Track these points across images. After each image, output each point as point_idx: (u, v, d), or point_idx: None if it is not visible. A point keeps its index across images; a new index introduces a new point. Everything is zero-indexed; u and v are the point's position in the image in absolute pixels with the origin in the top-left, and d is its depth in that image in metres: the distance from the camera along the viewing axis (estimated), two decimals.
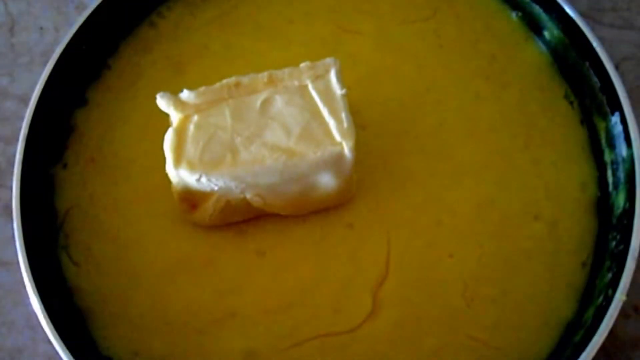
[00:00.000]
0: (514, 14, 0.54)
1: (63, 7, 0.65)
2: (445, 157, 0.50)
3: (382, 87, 0.52)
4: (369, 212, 0.48)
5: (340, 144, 0.41)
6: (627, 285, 0.40)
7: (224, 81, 0.43)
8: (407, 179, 0.49)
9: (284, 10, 0.56)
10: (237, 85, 0.43)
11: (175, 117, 0.42)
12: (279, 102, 0.42)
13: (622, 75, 0.63)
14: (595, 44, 0.48)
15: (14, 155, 0.46)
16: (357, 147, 0.42)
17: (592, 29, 0.64)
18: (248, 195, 0.42)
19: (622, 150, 0.46)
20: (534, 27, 0.53)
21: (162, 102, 0.42)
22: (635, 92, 0.62)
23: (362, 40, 0.54)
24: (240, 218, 0.46)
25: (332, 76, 0.44)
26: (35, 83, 0.48)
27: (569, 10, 0.50)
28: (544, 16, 0.52)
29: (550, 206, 0.48)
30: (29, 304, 0.42)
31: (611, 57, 0.64)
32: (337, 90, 0.43)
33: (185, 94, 0.42)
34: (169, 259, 0.46)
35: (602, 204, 0.47)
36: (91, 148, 0.50)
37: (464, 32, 0.54)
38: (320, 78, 0.44)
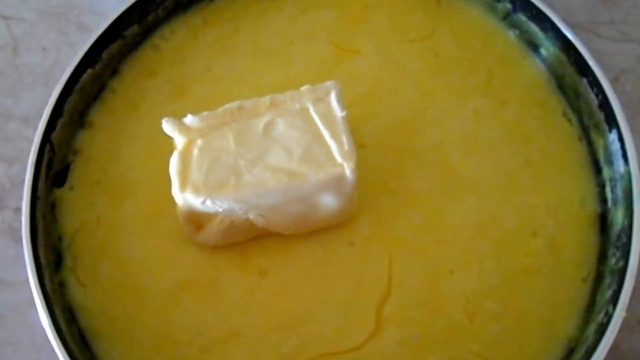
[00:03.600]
0: (511, 32, 0.55)
1: (64, 27, 0.65)
2: (445, 175, 0.50)
3: (381, 105, 0.53)
4: (370, 230, 0.48)
5: (342, 165, 0.42)
6: (627, 302, 0.41)
7: (227, 105, 0.44)
8: (408, 196, 0.49)
9: (283, 32, 0.56)
10: (240, 109, 0.44)
11: (180, 141, 0.42)
12: (281, 125, 0.43)
13: (621, 87, 0.64)
14: (591, 62, 0.49)
15: (18, 176, 0.47)
16: (358, 166, 0.43)
17: (590, 42, 0.65)
18: (251, 216, 0.43)
19: (620, 167, 0.47)
20: (531, 44, 0.54)
21: (168, 127, 0.42)
22: (635, 105, 0.63)
23: (361, 60, 0.55)
24: (244, 238, 0.46)
25: (333, 99, 0.44)
26: (38, 104, 0.48)
27: (564, 29, 0.51)
28: (540, 34, 0.53)
29: (550, 223, 0.48)
30: (33, 324, 0.43)
31: (610, 69, 0.65)
32: (338, 112, 0.44)
33: (189, 119, 0.43)
34: (174, 279, 0.46)
35: (602, 220, 0.48)
36: (96, 170, 0.50)
37: (462, 50, 0.55)
38: (321, 101, 0.44)
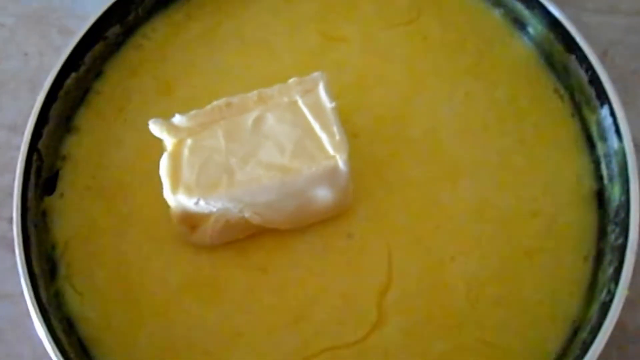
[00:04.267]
0: (497, 11, 0.54)
1: (45, 31, 0.64)
2: (440, 159, 0.50)
3: (371, 93, 0.52)
4: (368, 220, 0.48)
5: (334, 157, 0.41)
6: (629, 279, 0.40)
7: (215, 103, 0.43)
8: (403, 184, 0.49)
9: (268, 22, 0.55)
10: (228, 105, 0.43)
11: (169, 141, 0.42)
12: (270, 119, 0.42)
13: (611, 61, 0.64)
14: (578, 38, 0.48)
15: (9, 186, 0.46)
16: (351, 156, 0.42)
17: (577, 16, 0.65)
18: (247, 214, 0.42)
19: (614, 143, 0.46)
20: (518, 22, 0.53)
21: (155, 128, 0.42)
22: (625, 77, 0.63)
23: (348, 47, 0.54)
24: (240, 236, 0.46)
25: (321, 90, 0.44)
26: (25, 110, 0.47)
27: (549, 5, 0.50)
28: (525, 12, 0.52)
29: (548, 201, 0.48)
30: (33, 336, 0.42)
31: (598, 43, 0.64)
32: (327, 103, 0.43)
33: (177, 119, 0.42)
34: (172, 282, 0.45)
35: (599, 196, 0.48)
36: (86, 176, 0.49)
37: (450, 32, 0.54)
38: (309, 93, 0.44)
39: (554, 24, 0.50)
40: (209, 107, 0.43)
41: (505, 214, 0.48)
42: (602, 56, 0.63)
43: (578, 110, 0.50)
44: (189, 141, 0.41)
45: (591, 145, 0.49)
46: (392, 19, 0.55)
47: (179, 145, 0.41)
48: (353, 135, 0.49)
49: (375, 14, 0.55)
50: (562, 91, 0.51)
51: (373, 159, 0.50)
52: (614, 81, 0.58)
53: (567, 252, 0.46)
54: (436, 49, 0.54)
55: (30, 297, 0.42)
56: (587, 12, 0.65)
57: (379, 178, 0.49)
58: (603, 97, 0.47)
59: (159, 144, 0.43)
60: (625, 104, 0.59)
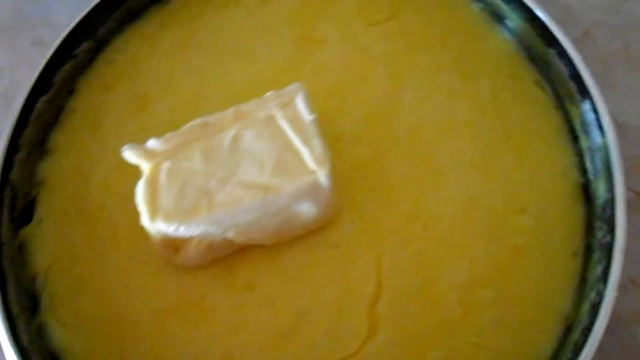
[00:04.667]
0: (475, 5, 0.53)
1: (18, 44, 0.63)
2: (425, 159, 0.49)
3: (353, 94, 0.51)
4: (354, 228, 0.47)
5: (315, 172, 0.40)
6: (617, 281, 0.40)
7: (190, 123, 0.42)
8: (389, 187, 0.48)
9: (244, 27, 0.54)
10: (205, 125, 0.42)
11: (145, 166, 0.41)
12: (248, 137, 0.41)
13: (593, 42, 0.63)
14: (557, 33, 0.47)
15: None
16: (335, 161, 0.42)
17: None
18: (230, 235, 0.42)
19: (597, 138, 0.46)
20: (497, 16, 0.52)
21: (130, 155, 0.41)
22: (608, 58, 0.62)
23: (327, 48, 0.53)
24: (225, 253, 0.45)
25: (299, 102, 0.43)
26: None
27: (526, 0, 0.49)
28: (503, 6, 0.51)
29: (535, 197, 0.47)
30: None
31: (579, 24, 0.64)
32: (306, 116, 0.42)
33: (152, 142, 0.41)
34: (158, 306, 0.44)
35: (585, 191, 0.47)
36: (64, 200, 0.48)
37: (429, 27, 0.53)
38: (287, 105, 0.43)
39: (532, 18, 0.49)
40: (184, 127, 0.42)
41: (492, 212, 0.47)
42: (584, 37, 0.63)
43: (561, 103, 0.49)
44: (165, 165, 0.40)
45: (575, 138, 0.48)
46: (372, 17, 0.54)
47: (155, 170, 0.40)
48: (336, 139, 0.48)
49: (354, 12, 0.54)
50: (544, 84, 0.50)
51: (357, 163, 0.49)
52: (596, 61, 0.58)
53: (556, 248, 0.46)
54: (417, 46, 0.53)
55: (9, 340, 0.40)
56: None
57: (364, 182, 0.48)
58: (584, 92, 0.46)
59: None
60: (608, 86, 0.59)
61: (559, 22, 0.60)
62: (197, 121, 0.42)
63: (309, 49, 0.53)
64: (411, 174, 0.48)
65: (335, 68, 0.52)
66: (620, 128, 0.58)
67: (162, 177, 0.40)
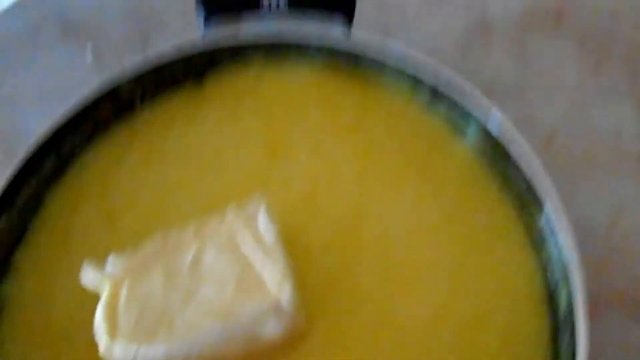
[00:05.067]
0: (437, 118, 0.55)
1: None
2: (393, 269, 0.49)
3: (321, 204, 0.51)
4: (322, 340, 0.46)
5: (278, 293, 0.40)
6: None
7: (150, 240, 0.42)
8: (358, 298, 0.47)
9: (214, 138, 0.55)
10: (165, 242, 0.42)
11: (104, 291, 0.40)
12: (208, 256, 0.41)
13: (555, 148, 0.65)
14: (513, 152, 0.49)
15: None
16: (304, 273, 0.41)
17: (520, 107, 0.66)
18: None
19: (556, 246, 0.46)
20: (457, 128, 0.54)
21: (87, 280, 0.40)
22: (572, 163, 0.64)
23: (295, 160, 0.54)
24: None
25: (261, 217, 0.43)
26: None
27: (481, 120, 0.51)
28: (461, 122, 0.53)
29: (500, 308, 0.47)
30: None
31: (542, 131, 0.66)
32: (268, 232, 0.42)
33: (110, 266, 0.41)
34: None
35: (551, 299, 0.47)
36: (27, 322, 0.47)
37: (394, 138, 0.54)
38: (249, 221, 0.43)
39: (487, 135, 0.51)
40: (144, 245, 0.42)
41: (460, 323, 0.46)
42: (548, 143, 0.64)
43: (523, 211, 0.50)
44: (124, 289, 0.40)
45: (538, 246, 0.49)
46: (338, 130, 0.55)
47: (114, 293, 0.40)
48: (304, 249, 0.48)
49: (321, 124, 0.55)
50: (507, 192, 0.51)
51: (326, 273, 0.48)
52: (560, 167, 0.59)
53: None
54: (382, 156, 0.54)
55: None
56: (529, 101, 0.67)
57: (333, 293, 0.47)
58: (542, 200, 0.47)
59: None
60: (572, 191, 0.60)
61: (522, 129, 0.62)
62: (157, 238, 0.42)
63: (277, 161, 0.54)
64: (380, 284, 0.48)
65: (303, 179, 0.53)
66: (586, 231, 0.59)
67: (122, 300, 0.40)
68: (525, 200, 0.49)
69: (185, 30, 0.68)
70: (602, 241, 0.60)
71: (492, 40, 0.71)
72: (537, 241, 0.49)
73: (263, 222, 0.43)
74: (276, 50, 0.56)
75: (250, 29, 0.55)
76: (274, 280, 0.40)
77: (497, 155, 0.51)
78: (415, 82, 0.54)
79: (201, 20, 0.56)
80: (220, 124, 0.56)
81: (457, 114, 0.53)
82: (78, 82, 0.70)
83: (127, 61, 0.55)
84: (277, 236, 0.42)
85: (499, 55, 0.70)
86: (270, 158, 0.54)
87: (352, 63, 0.56)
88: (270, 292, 0.40)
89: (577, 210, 0.60)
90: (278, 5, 0.54)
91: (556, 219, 0.46)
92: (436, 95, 0.53)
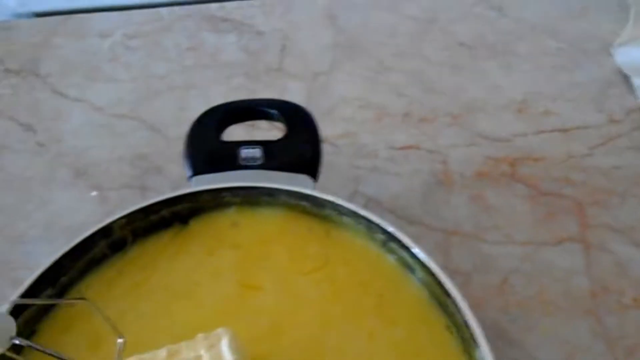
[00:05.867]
0: (391, 257, 0.61)
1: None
2: None
3: (285, 337, 0.57)
4: None
5: None
6: None
7: None
8: None
9: (192, 274, 0.62)
10: None
11: None
12: None
13: (511, 288, 0.70)
14: (449, 288, 0.54)
15: None
16: None
17: (479, 248, 0.72)
18: None
19: None
20: (409, 267, 0.60)
21: None
22: (525, 302, 0.69)
23: (263, 295, 0.60)
24: None
25: (224, 345, 0.48)
26: None
27: (424, 261, 0.57)
28: (410, 260, 0.59)
29: None
30: None
31: (499, 271, 0.72)
32: (228, 358, 0.48)
33: None
34: None
35: None
36: None
37: (354, 276, 0.61)
38: (213, 348, 0.48)
39: (431, 273, 0.56)
40: None
41: None
42: (503, 283, 0.70)
43: (466, 348, 0.55)
44: None
45: None
46: (304, 266, 0.62)
47: None
48: None
49: (288, 262, 0.62)
50: (453, 329, 0.56)
51: None
52: (514, 306, 0.64)
53: None
54: (343, 292, 0.60)
55: None
56: (487, 243, 0.73)
57: None
58: (475, 340, 0.52)
59: None
60: (527, 329, 0.65)
61: (477, 270, 0.68)
62: (132, 359, 0.47)
63: (247, 295, 0.60)
64: None
65: (269, 312, 0.58)
66: None
67: None
68: (467, 336, 0.54)
69: (176, 173, 0.78)
70: None
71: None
72: None
73: (225, 348, 0.48)
74: (250, 198, 0.64)
75: (228, 181, 0.64)
76: None
77: (440, 292, 0.56)
78: (370, 226, 0.61)
79: (189, 175, 0.65)
80: (200, 261, 0.63)
81: (407, 256, 0.59)
82: (83, 221, 0.79)
83: (127, 202, 0.64)
84: None
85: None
86: (242, 293, 0.60)
87: (315, 208, 0.64)
88: None
89: (533, 348, 0.64)
90: (253, 165, 0.64)
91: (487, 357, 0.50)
92: (389, 238, 0.60)
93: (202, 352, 0.48)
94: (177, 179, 0.83)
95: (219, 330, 0.50)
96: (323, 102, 0.87)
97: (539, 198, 0.77)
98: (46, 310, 0.59)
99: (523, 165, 0.80)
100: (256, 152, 0.64)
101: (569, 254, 0.72)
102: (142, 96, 0.96)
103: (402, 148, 0.84)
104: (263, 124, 0.86)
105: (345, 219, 0.63)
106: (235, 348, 0.49)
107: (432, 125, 0.87)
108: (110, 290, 0.61)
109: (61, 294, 0.60)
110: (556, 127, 0.85)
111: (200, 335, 0.50)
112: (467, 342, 0.54)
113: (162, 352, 0.48)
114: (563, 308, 0.68)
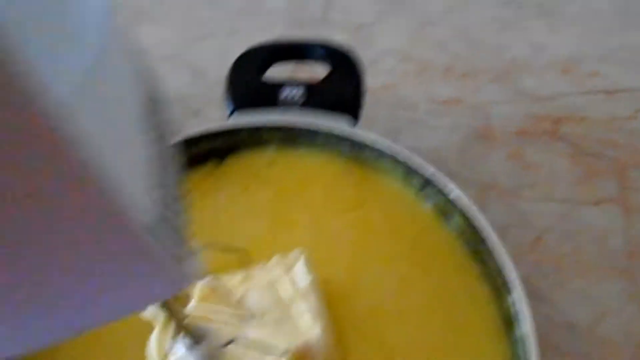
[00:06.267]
0: (427, 203, 0.61)
1: None
2: (380, 345, 0.53)
3: (317, 273, 0.57)
4: None
5: (309, 333, 0.46)
6: None
7: (199, 286, 0.48)
8: None
9: (226, 209, 0.62)
10: (214, 290, 0.48)
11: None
12: (252, 299, 0.48)
13: (544, 245, 0.69)
14: (487, 236, 0.54)
15: None
16: None
17: (514, 204, 0.71)
18: None
19: (520, 330, 0.50)
20: (444, 214, 0.60)
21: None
22: (560, 260, 0.68)
23: (297, 230, 0.60)
24: None
25: (300, 265, 0.50)
26: None
27: (463, 206, 0.57)
28: (449, 206, 0.59)
29: None
30: None
31: (534, 228, 0.71)
32: (304, 279, 0.49)
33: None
34: None
35: None
36: None
37: (388, 220, 0.61)
38: (289, 270, 0.50)
39: (468, 220, 0.56)
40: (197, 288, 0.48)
41: None
42: (537, 240, 0.69)
43: (497, 296, 0.54)
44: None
45: (510, 329, 0.53)
46: (339, 206, 0.62)
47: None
48: None
49: (324, 202, 0.62)
50: (484, 277, 0.56)
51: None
52: (548, 263, 0.64)
53: None
54: (377, 235, 0.60)
55: None
56: (524, 200, 0.72)
57: None
58: (510, 286, 0.52)
59: None
60: (559, 286, 0.64)
61: (512, 225, 0.68)
62: (206, 280, 0.48)
63: (282, 230, 0.60)
64: (367, 357, 0.52)
65: (304, 248, 0.59)
66: (570, 327, 0.63)
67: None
68: (499, 284, 0.54)
69: (215, 116, 0.78)
70: (583, 338, 0.63)
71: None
72: (508, 323, 0.53)
73: (301, 269, 0.50)
74: (289, 136, 0.64)
75: (268, 118, 0.64)
76: (307, 323, 0.46)
77: (476, 239, 0.56)
78: (408, 170, 0.61)
79: (229, 112, 0.65)
80: (234, 198, 0.63)
81: (444, 202, 0.59)
82: None
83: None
84: (312, 284, 0.49)
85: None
86: (275, 228, 0.61)
87: (354, 150, 0.63)
88: (306, 327, 0.46)
89: (564, 305, 0.64)
90: (294, 104, 0.63)
91: (520, 310, 0.50)
92: (426, 183, 0.60)
93: (281, 273, 0.49)
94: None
95: (295, 251, 0.51)
96: (365, 54, 0.86)
97: (580, 158, 0.75)
98: None
99: (565, 124, 0.79)
100: (298, 92, 0.64)
101: (607, 214, 0.71)
102: (185, 39, 0.96)
103: (443, 102, 0.83)
104: (304, 70, 0.85)
105: (383, 163, 0.62)
106: (310, 268, 0.50)
107: (474, 81, 0.85)
108: None
109: None
110: (601, 89, 0.83)
111: (275, 257, 0.51)
112: (498, 290, 0.54)
113: (237, 276, 0.49)
114: (597, 268, 0.67)
